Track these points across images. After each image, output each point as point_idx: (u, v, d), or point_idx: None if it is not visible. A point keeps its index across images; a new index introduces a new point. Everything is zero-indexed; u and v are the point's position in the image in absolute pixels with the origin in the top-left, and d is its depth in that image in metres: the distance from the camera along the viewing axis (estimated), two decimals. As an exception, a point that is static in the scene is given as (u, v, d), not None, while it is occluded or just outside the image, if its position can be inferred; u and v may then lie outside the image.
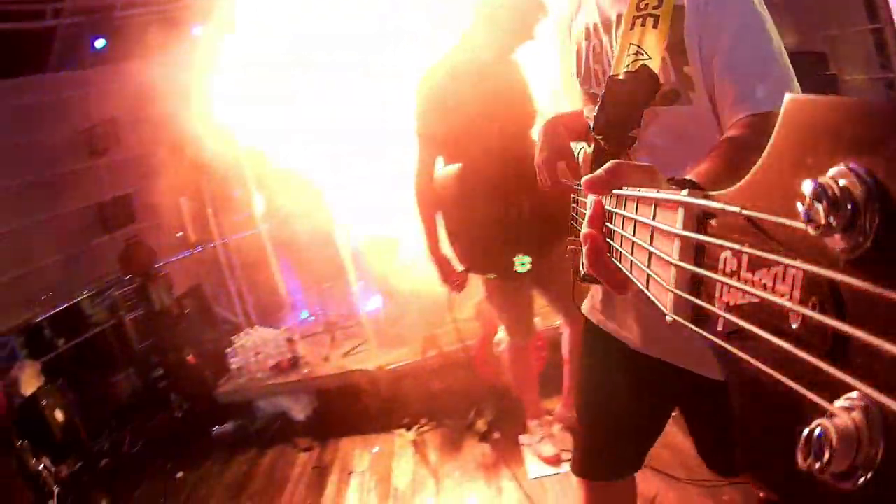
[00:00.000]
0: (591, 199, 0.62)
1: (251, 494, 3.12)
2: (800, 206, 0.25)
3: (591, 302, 1.32)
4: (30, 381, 2.28)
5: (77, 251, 4.95)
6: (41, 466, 3.00)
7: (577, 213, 1.07)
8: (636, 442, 1.33)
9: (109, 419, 4.21)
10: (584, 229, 0.60)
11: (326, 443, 3.41)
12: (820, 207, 0.24)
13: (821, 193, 0.24)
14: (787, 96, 0.29)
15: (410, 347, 3.56)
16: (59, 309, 4.29)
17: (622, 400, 1.27)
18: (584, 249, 0.59)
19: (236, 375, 3.96)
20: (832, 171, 0.24)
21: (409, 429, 3.25)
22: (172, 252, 5.14)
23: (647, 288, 0.46)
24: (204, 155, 4.39)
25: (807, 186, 0.25)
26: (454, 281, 2.35)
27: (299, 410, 3.72)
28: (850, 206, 0.23)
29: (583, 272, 0.62)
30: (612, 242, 0.57)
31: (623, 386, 1.28)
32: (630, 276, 0.51)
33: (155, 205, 5.07)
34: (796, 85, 0.90)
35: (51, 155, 4.83)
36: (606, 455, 1.33)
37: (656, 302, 0.44)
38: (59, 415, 3.71)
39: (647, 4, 0.93)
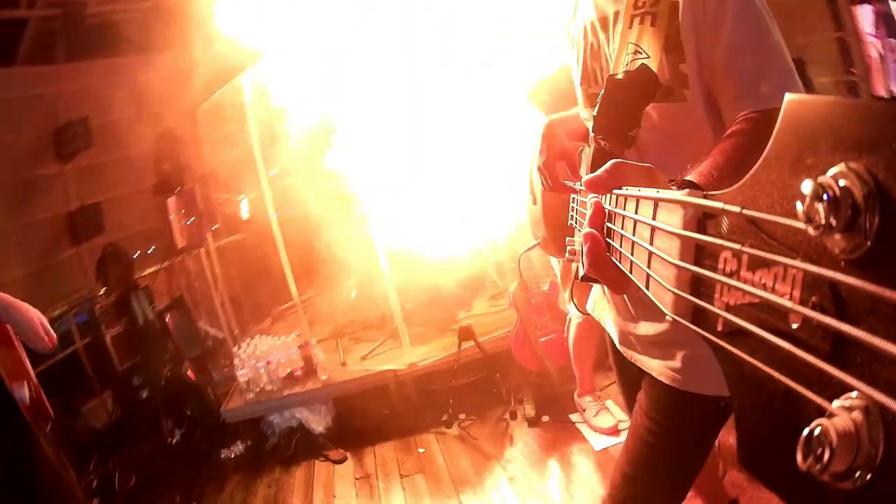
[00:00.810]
0: (591, 199, 0.62)
1: (290, 516, 2.82)
2: (800, 206, 0.25)
3: (592, 298, 1.34)
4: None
5: (45, 265, 4.25)
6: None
7: (576, 214, 1.07)
8: None
9: (92, 453, 3.50)
10: (585, 229, 0.60)
11: (361, 451, 3.19)
12: (820, 207, 0.24)
13: (821, 193, 0.24)
14: (788, 96, 0.29)
15: (439, 342, 3.47)
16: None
17: (633, 386, 1.29)
18: (584, 249, 0.59)
19: (244, 389, 3.53)
20: (832, 171, 0.24)
21: (449, 426, 3.16)
22: (151, 262, 4.61)
23: (647, 288, 0.46)
24: (191, 154, 4.16)
25: (807, 186, 0.25)
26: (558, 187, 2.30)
27: (319, 421, 3.42)
28: (850, 206, 0.23)
29: (582, 272, 0.62)
30: (612, 242, 0.57)
31: (624, 373, 1.31)
32: (630, 276, 0.51)
33: (131, 212, 4.61)
34: (797, 80, 0.89)
35: (15, 158, 4.13)
36: None
37: (656, 301, 0.44)
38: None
39: (644, 2, 0.93)
